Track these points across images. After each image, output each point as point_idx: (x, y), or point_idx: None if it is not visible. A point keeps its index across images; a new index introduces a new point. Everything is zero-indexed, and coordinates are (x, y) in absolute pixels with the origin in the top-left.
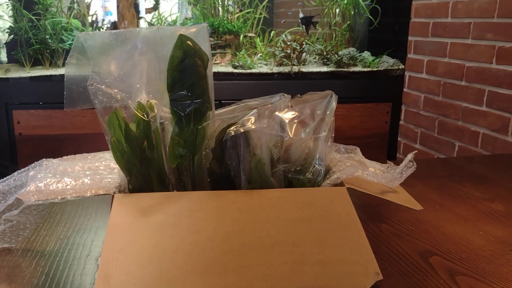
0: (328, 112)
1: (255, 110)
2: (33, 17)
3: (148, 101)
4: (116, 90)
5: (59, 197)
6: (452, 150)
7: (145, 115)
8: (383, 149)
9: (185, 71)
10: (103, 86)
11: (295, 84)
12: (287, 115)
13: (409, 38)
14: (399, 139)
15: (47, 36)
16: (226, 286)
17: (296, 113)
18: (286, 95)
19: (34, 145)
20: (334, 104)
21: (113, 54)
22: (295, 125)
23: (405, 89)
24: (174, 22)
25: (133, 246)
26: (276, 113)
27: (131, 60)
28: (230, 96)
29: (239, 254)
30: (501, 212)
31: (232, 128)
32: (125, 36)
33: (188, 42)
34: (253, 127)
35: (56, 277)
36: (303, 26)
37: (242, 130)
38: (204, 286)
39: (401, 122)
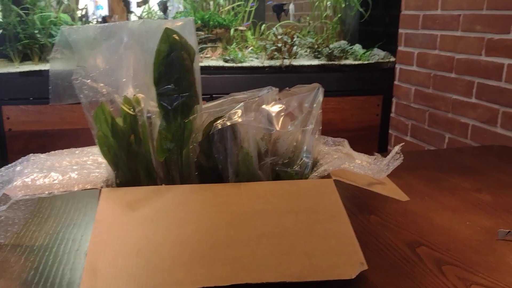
0: (315, 105)
1: (242, 103)
2: (21, 12)
3: (134, 95)
4: (102, 84)
5: (46, 192)
6: (442, 142)
7: (132, 109)
8: (374, 141)
9: (171, 65)
10: (89, 81)
11: (286, 78)
12: (274, 108)
13: (400, 30)
14: (390, 131)
15: (36, 31)
16: (212, 278)
17: (283, 106)
18: (273, 88)
19: (24, 141)
20: (320, 97)
21: (98, 48)
22: (282, 118)
23: (395, 82)
24: None
25: (120, 239)
26: (263, 106)
27: (116, 54)
28: (221, 90)
29: (226, 246)
30: (489, 202)
31: (219, 122)
32: (110, 29)
33: (174, 35)
34: (239, 120)
35: (46, 272)
36: (275, 14)
37: (229, 124)
38: (191, 278)
39: (392, 115)
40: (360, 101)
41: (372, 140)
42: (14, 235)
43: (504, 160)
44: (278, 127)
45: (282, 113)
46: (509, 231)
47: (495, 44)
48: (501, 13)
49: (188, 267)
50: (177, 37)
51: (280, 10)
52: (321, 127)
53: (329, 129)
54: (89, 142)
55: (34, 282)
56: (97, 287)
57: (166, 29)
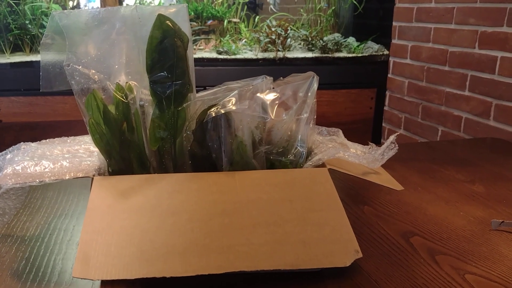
0: (309, 94)
1: (236, 91)
2: (12, 2)
3: (127, 82)
4: (93, 71)
5: (37, 180)
6: (435, 135)
7: (124, 97)
8: (368, 134)
9: (164, 52)
10: (80, 67)
11: (280, 70)
12: (269, 97)
13: (394, 23)
14: (383, 124)
15: (27, 22)
16: (207, 266)
17: (278, 94)
18: (268, 77)
19: (16, 132)
20: (315, 85)
21: (89, 33)
22: (276, 106)
23: (389, 75)
24: None
25: (113, 228)
26: (258, 94)
27: (108, 40)
28: (215, 82)
29: (220, 234)
30: (482, 193)
31: (212, 110)
32: (102, 15)
33: (167, 22)
34: (234, 108)
35: (37, 262)
36: (250, 10)
37: (222, 111)
38: (185, 266)
39: (386, 108)
40: (354, 94)
41: (366, 133)
42: (4, 225)
43: (497, 152)
44: (272, 115)
45: (277, 101)
46: (502, 221)
47: (488, 37)
48: (495, 6)
49: (182, 256)
50: (170, 24)
51: (254, 5)
52: (315, 116)
53: (322, 122)
54: (81, 134)
55: (25, 272)
56: (90, 275)
57: (159, 15)
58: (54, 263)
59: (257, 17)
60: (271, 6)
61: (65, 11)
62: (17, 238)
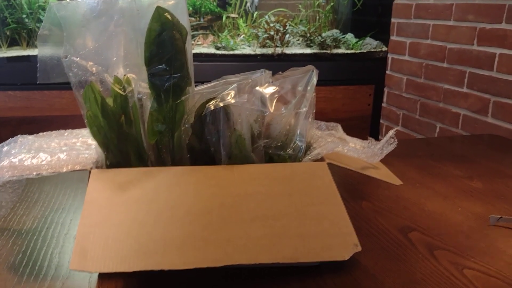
0: (309, 88)
1: (235, 85)
2: None
3: (125, 75)
4: (91, 63)
5: (34, 173)
6: (433, 132)
7: (122, 90)
8: (366, 131)
9: (163, 45)
10: (78, 59)
11: (278, 66)
12: (268, 90)
13: (392, 20)
14: (381, 121)
15: (24, 16)
16: (205, 260)
17: (277, 88)
18: (267, 70)
19: (12, 127)
20: (314, 79)
21: (87, 25)
22: (275, 100)
23: (387, 71)
24: None
25: (111, 221)
26: (257, 88)
27: (106, 32)
28: (213, 78)
29: (218, 227)
30: (480, 189)
31: (211, 103)
32: (100, 7)
33: (166, 14)
34: (232, 101)
35: (34, 256)
36: (220, 7)
37: (221, 105)
38: (183, 259)
39: (384, 104)
40: (352, 90)
41: (363, 130)
42: (1, 219)
43: (495, 149)
44: (271, 109)
45: (276, 95)
46: (500, 217)
47: (487, 33)
48: (494, 2)
49: (180, 249)
50: (168, 16)
51: (223, 4)
52: (314, 111)
53: (320, 119)
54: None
55: (22, 266)
56: (87, 268)
57: (158, 7)
58: (51, 256)
59: (255, 12)
60: (248, 5)
61: (63, 2)
62: (13, 232)
